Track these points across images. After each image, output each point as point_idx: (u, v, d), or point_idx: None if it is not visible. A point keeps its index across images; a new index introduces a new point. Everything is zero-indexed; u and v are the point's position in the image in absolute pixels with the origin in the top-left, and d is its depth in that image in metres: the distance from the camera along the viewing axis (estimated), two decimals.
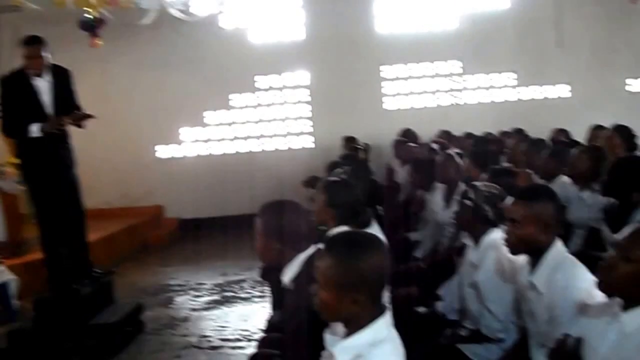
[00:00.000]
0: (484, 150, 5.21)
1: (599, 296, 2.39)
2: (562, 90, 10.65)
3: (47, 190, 5.13)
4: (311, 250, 2.50)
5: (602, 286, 2.15)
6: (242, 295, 6.71)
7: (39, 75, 5.03)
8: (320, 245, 2.45)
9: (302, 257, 2.48)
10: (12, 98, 5.05)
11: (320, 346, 2.02)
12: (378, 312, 1.91)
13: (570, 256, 2.66)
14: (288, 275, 2.50)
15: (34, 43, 4.99)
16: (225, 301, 6.55)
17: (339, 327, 1.96)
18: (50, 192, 5.13)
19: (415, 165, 5.67)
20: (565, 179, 4.81)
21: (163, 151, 10.67)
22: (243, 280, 7.23)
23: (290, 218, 2.52)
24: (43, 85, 5.08)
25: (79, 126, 5.15)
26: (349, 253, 1.88)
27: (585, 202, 4.46)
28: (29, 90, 5.03)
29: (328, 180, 3.58)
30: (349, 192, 3.36)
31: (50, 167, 5.12)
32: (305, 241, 2.53)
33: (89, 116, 5.11)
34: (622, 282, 2.05)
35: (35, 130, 4.95)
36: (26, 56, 4.98)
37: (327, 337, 1.98)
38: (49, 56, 5.05)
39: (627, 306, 2.07)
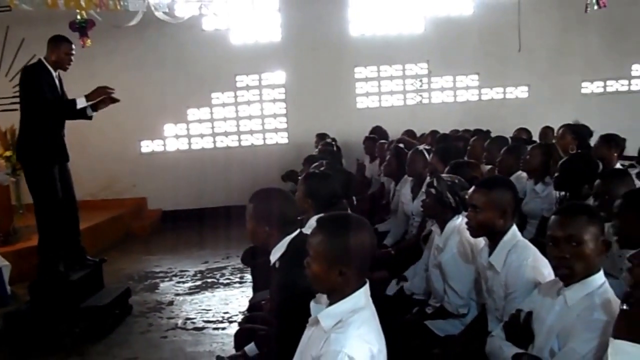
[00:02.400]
0: (449, 146, 5.37)
1: (547, 274, 2.60)
2: (521, 92, 10.95)
3: (49, 181, 5.21)
4: (296, 233, 2.65)
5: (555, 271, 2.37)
6: (223, 281, 6.84)
7: (64, 70, 5.34)
8: (304, 229, 2.61)
9: (288, 239, 2.62)
10: (44, 85, 5.18)
11: (304, 317, 2.17)
12: (360, 284, 2.08)
13: (524, 239, 2.86)
14: (275, 255, 2.65)
15: (70, 42, 5.33)
16: (207, 286, 6.67)
17: (323, 298, 2.12)
18: (52, 183, 5.23)
19: (395, 155, 5.78)
20: (521, 173, 5.02)
21: (147, 146, 10.72)
22: (224, 268, 7.36)
23: (278, 204, 2.66)
24: (57, 80, 5.32)
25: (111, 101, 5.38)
26: (338, 231, 2.05)
27: (538, 195, 4.68)
28: (52, 81, 5.27)
29: (308, 173, 3.72)
30: (327, 183, 3.52)
31: (52, 159, 5.25)
32: (292, 225, 2.67)
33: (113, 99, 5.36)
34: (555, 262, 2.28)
35: (80, 102, 5.21)
36: (66, 52, 5.26)
37: (313, 305, 2.13)
38: None
39: (569, 282, 2.26)
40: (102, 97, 5.29)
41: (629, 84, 11.07)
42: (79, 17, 7.24)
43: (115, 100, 5.35)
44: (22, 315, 5.23)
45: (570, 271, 2.24)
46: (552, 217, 2.33)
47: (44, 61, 5.26)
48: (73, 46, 5.35)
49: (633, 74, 11.04)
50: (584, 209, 2.33)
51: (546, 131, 7.36)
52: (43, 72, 5.21)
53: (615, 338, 1.80)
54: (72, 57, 5.34)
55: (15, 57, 9.35)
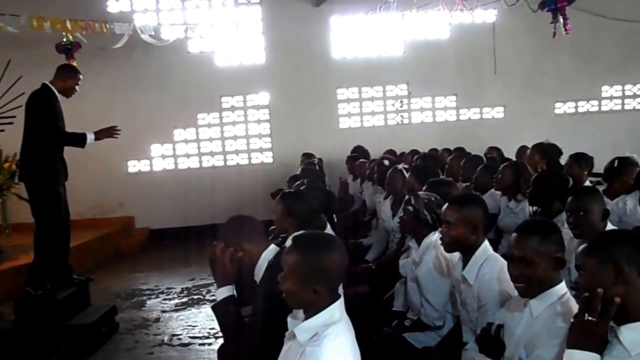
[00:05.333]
0: (425, 165, 5.46)
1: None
2: (497, 112, 11.14)
3: (55, 200, 5.23)
4: (270, 246, 2.73)
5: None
6: (209, 298, 6.80)
7: (66, 97, 5.34)
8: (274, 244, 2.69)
9: (265, 255, 2.68)
10: (57, 112, 5.21)
11: (284, 331, 2.21)
12: (333, 299, 2.12)
13: (495, 253, 2.94)
14: (259, 274, 2.71)
15: (80, 73, 5.41)
16: (193, 303, 6.67)
17: (300, 313, 2.17)
18: (58, 202, 5.25)
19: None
20: (496, 191, 5.11)
21: (134, 166, 10.71)
22: (210, 284, 7.30)
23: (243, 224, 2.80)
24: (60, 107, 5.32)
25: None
26: (312, 250, 2.10)
27: (512, 211, 4.77)
28: (60, 108, 5.27)
29: (283, 193, 3.77)
30: (304, 201, 3.55)
31: (60, 178, 5.28)
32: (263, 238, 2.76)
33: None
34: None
35: (90, 139, 5.29)
36: (77, 83, 5.33)
37: (290, 320, 2.17)
38: None
39: (526, 296, 2.36)
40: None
41: (599, 105, 11.33)
42: (65, 39, 7.31)
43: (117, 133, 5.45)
44: (8, 333, 5.19)
45: (524, 286, 2.35)
46: (513, 234, 2.42)
47: (51, 86, 5.21)
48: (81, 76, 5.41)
49: (603, 95, 11.32)
50: (539, 227, 2.40)
51: (523, 150, 7.47)
52: (52, 99, 5.19)
53: (568, 348, 1.91)
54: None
55: (1, 79, 9.36)
